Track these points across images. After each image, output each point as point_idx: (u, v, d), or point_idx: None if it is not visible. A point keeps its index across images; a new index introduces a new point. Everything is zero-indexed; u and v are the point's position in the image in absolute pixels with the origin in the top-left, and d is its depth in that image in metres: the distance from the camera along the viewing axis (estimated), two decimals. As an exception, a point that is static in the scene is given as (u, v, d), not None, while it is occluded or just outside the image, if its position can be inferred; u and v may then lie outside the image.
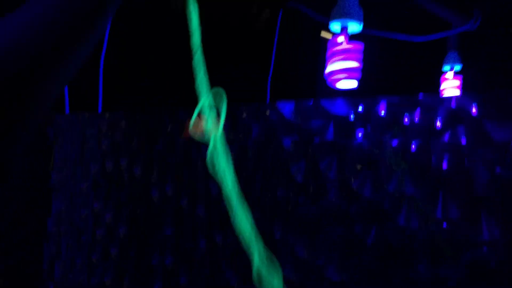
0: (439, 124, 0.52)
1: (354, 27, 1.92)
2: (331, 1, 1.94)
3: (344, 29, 1.92)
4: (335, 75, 1.89)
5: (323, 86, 2.17)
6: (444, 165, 0.52)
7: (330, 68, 1.91)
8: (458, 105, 0.51)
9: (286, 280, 0.59)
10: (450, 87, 2.97)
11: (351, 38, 1.95)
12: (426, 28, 2.80)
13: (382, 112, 0.52)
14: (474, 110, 0.49)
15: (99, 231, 1.28)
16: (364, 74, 2.07)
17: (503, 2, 2.82)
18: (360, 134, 0.53)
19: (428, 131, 0.53)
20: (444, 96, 3.03)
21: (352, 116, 0.52)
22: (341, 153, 0.55)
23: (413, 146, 0.53)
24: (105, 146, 1.39)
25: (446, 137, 0.53)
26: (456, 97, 0.43)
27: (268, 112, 0.60)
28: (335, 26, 1.93)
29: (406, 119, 0.51)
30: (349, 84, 1.93)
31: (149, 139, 1.07)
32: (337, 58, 1.89)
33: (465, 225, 0.52)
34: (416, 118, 0.52)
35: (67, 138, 1.59)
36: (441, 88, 3.04)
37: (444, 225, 0.52)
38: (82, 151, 1.45)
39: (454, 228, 0.52)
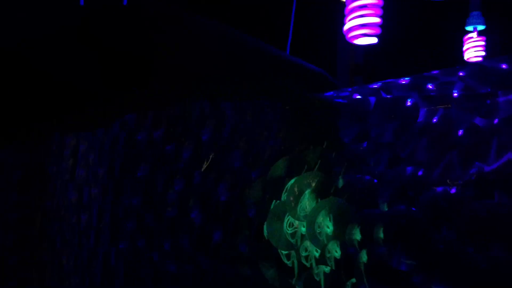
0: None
1: (374, -17, 1.90)
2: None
3: (363, -15, 1.91)
4: (354, 31, 1.89)
5: (343, 43, 2.16)
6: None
7: (349, 24, 1.91)
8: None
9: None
10: (473, 47, 2.93)
11: (371, -6, 1.93)
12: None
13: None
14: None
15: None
16: (385, 33, 2.06)
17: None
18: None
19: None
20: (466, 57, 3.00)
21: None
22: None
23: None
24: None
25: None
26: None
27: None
28: (355, -18, 1.92)
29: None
30: (368, 40, 1.93)
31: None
32: (356, 14, 1.88)
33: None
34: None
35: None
36: (464, 48, 3.00)
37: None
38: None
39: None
